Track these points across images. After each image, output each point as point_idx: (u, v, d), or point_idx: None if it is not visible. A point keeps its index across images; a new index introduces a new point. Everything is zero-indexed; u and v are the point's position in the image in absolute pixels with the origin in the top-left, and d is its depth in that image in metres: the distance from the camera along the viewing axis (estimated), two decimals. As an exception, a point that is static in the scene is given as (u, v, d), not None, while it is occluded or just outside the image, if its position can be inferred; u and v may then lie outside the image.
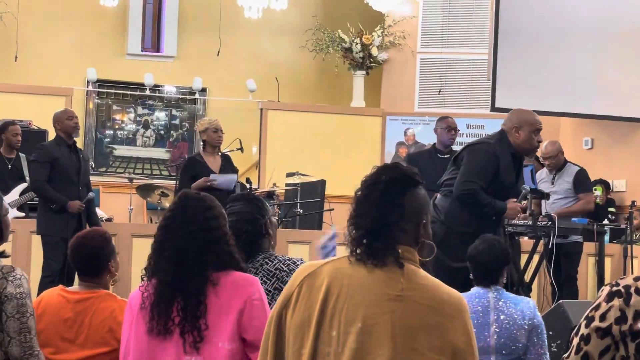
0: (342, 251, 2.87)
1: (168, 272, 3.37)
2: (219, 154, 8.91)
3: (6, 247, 3.74)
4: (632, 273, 9.16)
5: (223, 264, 3.39)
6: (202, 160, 8.75)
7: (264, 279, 3.89)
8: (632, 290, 2.67)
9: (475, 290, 5.06)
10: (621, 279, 2.75)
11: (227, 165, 8.90)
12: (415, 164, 9.01)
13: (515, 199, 6.59)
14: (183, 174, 8.84)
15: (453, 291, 2.73)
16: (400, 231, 2.73)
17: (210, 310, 3.31)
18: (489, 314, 4.95)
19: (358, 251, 2.73)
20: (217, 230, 3.43)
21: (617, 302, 2.67)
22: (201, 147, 8.97)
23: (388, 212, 2.74)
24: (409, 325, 2.64)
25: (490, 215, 6.49)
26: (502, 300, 4.99)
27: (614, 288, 2.70)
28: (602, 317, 2.67)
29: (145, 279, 3.44)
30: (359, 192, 2.80)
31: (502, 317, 4.94)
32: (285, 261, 4.00)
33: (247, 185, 9.62)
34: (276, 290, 3.82)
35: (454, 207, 6.62)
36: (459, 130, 9.53)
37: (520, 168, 6.79)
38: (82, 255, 4.21)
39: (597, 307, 2.70)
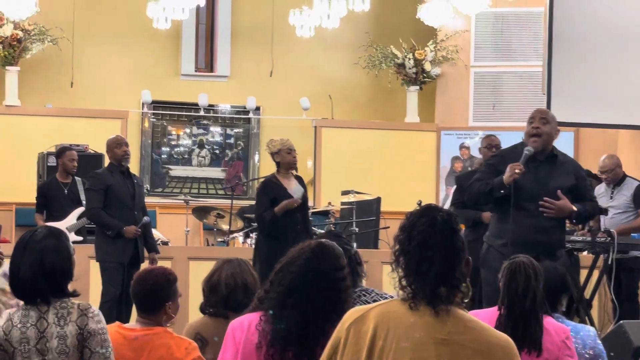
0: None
1: (292, 320, 3.35)
2: (293, 174, 8.63)
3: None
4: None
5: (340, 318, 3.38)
6: (278, 182, 8.47)
7: None
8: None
9: None
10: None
11: (302, 187, 8.66)
12: (462, 185, 8.95)
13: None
14: (261, 197, 8.53)
15: (502, 334, 2.69)
16: (460, 274, 2.71)
17: None
18: None
19: (419, 296, 2.71)
20: (346, 290, 3.43)
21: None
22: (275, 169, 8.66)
23: (452, 256, 2.72)
24: None
25: (494, 193, 6.25)
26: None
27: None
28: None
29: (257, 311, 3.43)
30: (412, 236, 2.76)
31: None
32: (383, 295, 4.05)
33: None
34: None
35: (492, 221, 6.56)
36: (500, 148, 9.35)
37: (545, 164, 6.45)
38: (141, 290, 4.25)
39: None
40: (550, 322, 4.56)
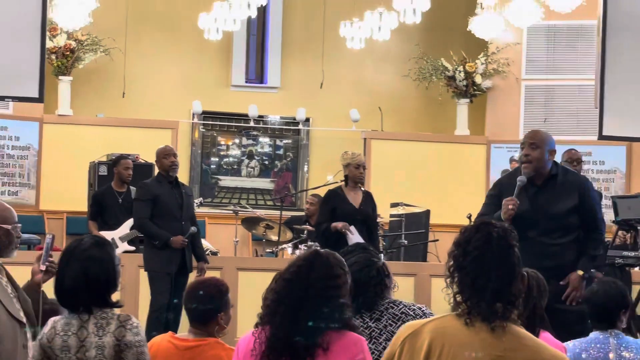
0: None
1: (282, 328, 3.36)
2: (361, 189, 8.69)
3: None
4: None
5: (336, 327, 3.38)
6: (342, 193, 8.56)
7: (390, 321, 3.95)
8: None
9: (594, 335, 4.88)
10: None
11: (368, 202, 8.67)
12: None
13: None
14: (322, 207, 8.73)
15: (557, 352, 2.68)
16: (516, 290, 2.71)
17: None
18: None
19: (474, 312, 2.70)
20: (336, 299, 3.41)
21: None
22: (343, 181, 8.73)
23: (508, 271, 2.72)
24: None
25: None
26: (623, 345, 4.82)
27: None
28: None
29: (259, 325, 3.45)
30: (467, 252, 2.75)
31: None
32: (411, 306, 4.05)
33: None
34: None
35: None
36: (582, 162, 9.18)
37: (543, 188, 6.26)
38: (193, 301, 4.26)
39: None
40: (546, 338, 4.48)
